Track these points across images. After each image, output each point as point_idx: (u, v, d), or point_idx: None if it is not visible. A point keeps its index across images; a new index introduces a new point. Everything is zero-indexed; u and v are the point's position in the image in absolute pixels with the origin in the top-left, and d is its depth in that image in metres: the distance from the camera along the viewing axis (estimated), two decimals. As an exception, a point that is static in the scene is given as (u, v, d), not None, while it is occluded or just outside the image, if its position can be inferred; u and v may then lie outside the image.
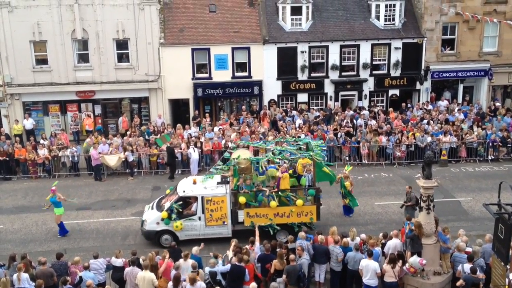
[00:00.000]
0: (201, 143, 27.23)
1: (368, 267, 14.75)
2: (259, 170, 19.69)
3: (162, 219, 18.87)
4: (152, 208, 19.75)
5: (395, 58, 32.34)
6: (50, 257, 16.10)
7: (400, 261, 15.05)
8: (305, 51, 31.69)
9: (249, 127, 28.68)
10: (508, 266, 12.56)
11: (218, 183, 19.19)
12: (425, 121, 29.24)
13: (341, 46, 31.94)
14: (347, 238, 16.13)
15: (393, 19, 32.32)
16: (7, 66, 30.07)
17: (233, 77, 31.71)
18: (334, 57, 31.99)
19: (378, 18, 32.40)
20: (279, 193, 18.97)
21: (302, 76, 32.15)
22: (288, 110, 31.33)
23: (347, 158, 27.76)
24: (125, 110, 32.14)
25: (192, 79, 31.49)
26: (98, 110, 31.88)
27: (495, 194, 13.36)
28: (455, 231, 17.04)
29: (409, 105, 32.20)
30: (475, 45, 32.70)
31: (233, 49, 31.33)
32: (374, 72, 32.61)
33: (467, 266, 14.42)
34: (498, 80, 33.28)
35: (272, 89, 32.15)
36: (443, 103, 32.16)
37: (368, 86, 32.77)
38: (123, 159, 26.34)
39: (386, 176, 26.11)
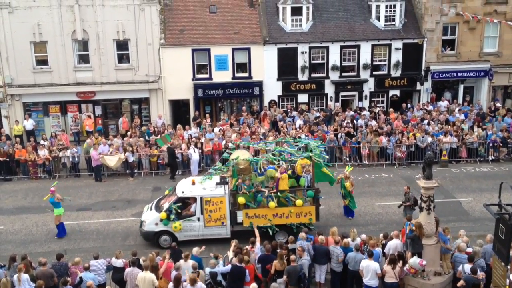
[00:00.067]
0: (202, 143, 27.23)
1: (369, 267, 14.74)
2: (258, 171, 19.70)
3: (161, 220, 18.85)
4: (151, 209, 19.74)
5: (396, 59, 32.33)
6: (50, 258, 16.10)
7: (401, 261, 15.03)
8: (306, 52, 31.69)
9: (250, 128, 28.68)
10: (508, 267, 12.54)
11: (217, 183, 19.16)
12: (425, 122, 29.23)
13: (342, 47, 31.94)
14: (347, 238, 16.12)
15: (394, 20, 32.32)
16: (7, 67, 30.09)
17: (234, 77, 31.71)
18: (334, 58, 31.99)
19: (378, 18, 32.39)
20: (278, 193, 18.96)
21: (302, 76, 32.15)
22: (289, 110, 31.31)
23: (348, 159, 27.76)
24: (125, 111, 32.15)
25: (193, 79, 31.49)
26: (98, 110, 31.88)
27: (496, 194, 13.36)
28: (456, 232, 17.05)
29: (409, 106, 32.20)
30: (476, 46, 32.70)
31: (233, 49, 31.33)
32: (374, 72, 32.60)
33: (468, 267, 14.40)
34: (498, 81, 33.28)
35: (273, 89, 32.15)
36: (443, 104, 32.14)
37: (369, 87, 32.77)
38: (123, 160, 26.34)
39: (387, 176, 26.10)
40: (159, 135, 27.78)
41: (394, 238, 16.00)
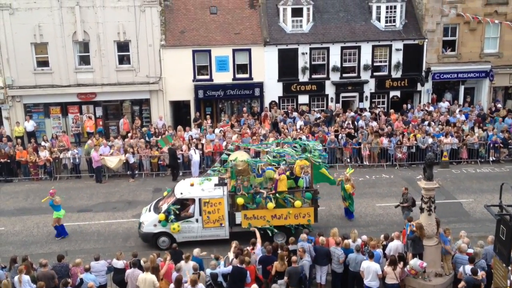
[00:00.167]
0: (202, 145, 27.23)
1: (369, 268, 14.74)
2: (257, 172, 19.69)
3: (160, 221, 18.84)
4: (150, 210, 19.74)
5: (396, 60, 32.33)
6: (51, 259, 16.09)
7: (402, 262, 15.03)
8: (306, 53, 31.69)
9: (250, 129, 28.69)
10: (509, 268, 12.54)
11: (215, 185, 19.15)
12: (426, 123, 29.22)
13: (342, 48, 31.95)
14: (348, 239, 16.11)
15: (394, 21, 32.32)
16: (8, 68, 30.11)
17: (234, 78, 31.72)
18: (335, 59, 31.99)
19: (379, 19, 32.39)
20: (277, 195, 18.95)
21: (303, 77, 32.15)
22: (289, 111, 31.32)
23: (348, 160, 27.75)
24: (126, 112, 32.17)
25: (193, 81, 31.50)
26: (99, 112, 31.89)
27: (497, 195, 13.37)
28: (457, 233, 17.04)
29: (410, 107, 32.20)
30: (476, 46, 32.69)
31: (234, 50, 31.34)
32: (375, 73, 32.59)
33: (469, 268, 14.39)
34: (499, 81, 33.28)
35: (273, 90, 32.15)
36: (444, 105, 32.13)
37: (369, 88, 32.76)
38: (124, 161, 26.36)
39: (387, 177, 26.09)
40: (160, 136, 27.79)
41: (395, 239, 15.99)
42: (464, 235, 16.22)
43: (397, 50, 32.17)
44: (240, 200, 18.77)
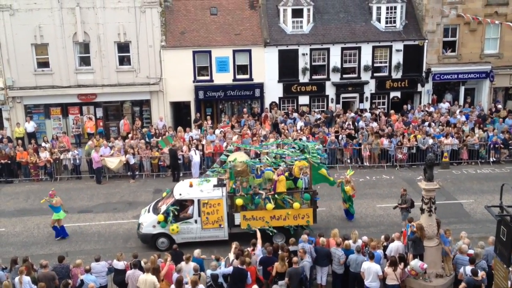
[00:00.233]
0: (203, 145, 27.23)
1: (370, 269, 14.73)
2: (256, 173, 19.68)
3: (159, 222, 18.83)
4: (149, 211, 19.73)
5: (396, 60, 32.34)
6: (51, 260, 16.08)
7: (402, 263, 15.02)
8: (306, 54, 31.70)
9: (251, 130, 28.68)
10: (510, 269, 12.54)
11: (214, 186, 19.15)
12: (426, 123, 29.23)
13: (342, 49, 31.96)
14: (349, 240, 16.10)
15: (394, 21, 32.33)
16: (8, 69, 30.12)
17: (234, 79, 31.72)
18: (335, 60, 32.00)
19: (379, 20, 32.40)
20: (276, 195, 18.95)
21: (303, 78, 32.16)
22: (290, 112, 31.33)
23: (349, 161, 27.75)
24: (126, 113, 32.18)
25: (193, 81, 31.51)
26: (99, 113, 31.90)
27: (497, 196, 13.37)
28: (457, 234, 17.02)
29: (410, 107, 32.20)
30: (476, 47, 32.70)
31: (234, 51, 31.36)
32: (375, 74, 32.60)
33: (469, 269, 14.38)
34: (499, 82, 33.29)
35: (274, 91, 32.16)
36: (444, 105, 32.13)
37: (370, 88, 32.77)
38: (125, 162, 26.36)
39: (388, 178, 26.09)
40: (160, 137, 27.79)
41: (395, 240, 15.99)
42: (464, 236, 16.22)
43: (397, 51, 32.18)
44: (239, 201, 18.76)
